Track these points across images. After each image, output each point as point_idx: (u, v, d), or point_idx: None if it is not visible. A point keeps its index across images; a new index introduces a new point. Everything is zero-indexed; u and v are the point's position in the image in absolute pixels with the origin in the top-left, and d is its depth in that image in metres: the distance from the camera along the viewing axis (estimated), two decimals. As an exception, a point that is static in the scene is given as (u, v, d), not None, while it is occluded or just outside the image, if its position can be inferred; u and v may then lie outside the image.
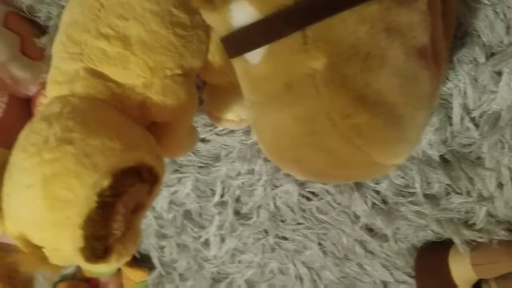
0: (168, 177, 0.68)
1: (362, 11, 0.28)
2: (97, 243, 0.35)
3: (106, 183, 0.33)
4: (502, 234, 0.55)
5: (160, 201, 0.71)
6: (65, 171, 0.34)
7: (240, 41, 0.32)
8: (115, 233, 0.35)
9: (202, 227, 0.75)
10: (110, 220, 0.34)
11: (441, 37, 0.33)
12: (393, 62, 0.28)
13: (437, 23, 0.32)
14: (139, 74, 0.40)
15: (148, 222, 0.75)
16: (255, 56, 0.31)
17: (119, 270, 0.81)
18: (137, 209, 0.38)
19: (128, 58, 0.40)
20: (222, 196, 0.69)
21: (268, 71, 0.31)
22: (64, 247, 0.35)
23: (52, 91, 0.41)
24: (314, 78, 0.28)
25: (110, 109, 0.40)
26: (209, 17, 0.35)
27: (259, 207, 0.68)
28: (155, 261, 0.82)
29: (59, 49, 0.41)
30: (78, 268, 0.83)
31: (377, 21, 0.28)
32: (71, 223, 0.34)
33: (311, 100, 0.28)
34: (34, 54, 0.59)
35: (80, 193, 0.34)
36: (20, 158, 0.36)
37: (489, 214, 0.55)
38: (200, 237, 0.76)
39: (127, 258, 0.36)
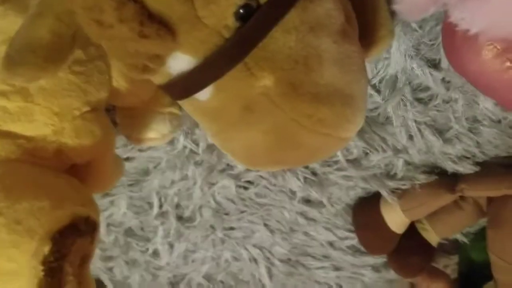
0: (99, 202, 0.66)
1: (284, 22, 0.29)
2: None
3: (46, 249, 0.32)
4: (422, 178, 0.61)
5: (99, 228, 0.69)
6: (1, 243, 0.33)
7: (183, 86, 0.31)
8: (70, 292, 0.34)
9: (148, 240, 0.74)
10: (62, 283, 0.33)
11: (346, 1, 0.35)
12: (328, 54, 0.30)
13: None
14: (46, 122, 0.38)
15: (91, 251, 0.73)
16: (203, 95, 0.31)
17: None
18: (84, 261, 0.37)
19: (31, 110, 0.38)
20: (160, 206, 0.68)
21: (221, 102, 0.31)
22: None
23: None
24: (268, 95, 0.30)
25: (27, 167, 0.38)
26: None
27: (200, 207, 0.69)
28: (107, 283, 0.80)
29: None
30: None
31: (300, 26, 0.30)
32: None
33: (273, 113, 0.30)
34: None
35: (22, 261, 0.33)
36: None
37: (407, 163, 0.60)
38: (147, 249, 0.75)
39: None
